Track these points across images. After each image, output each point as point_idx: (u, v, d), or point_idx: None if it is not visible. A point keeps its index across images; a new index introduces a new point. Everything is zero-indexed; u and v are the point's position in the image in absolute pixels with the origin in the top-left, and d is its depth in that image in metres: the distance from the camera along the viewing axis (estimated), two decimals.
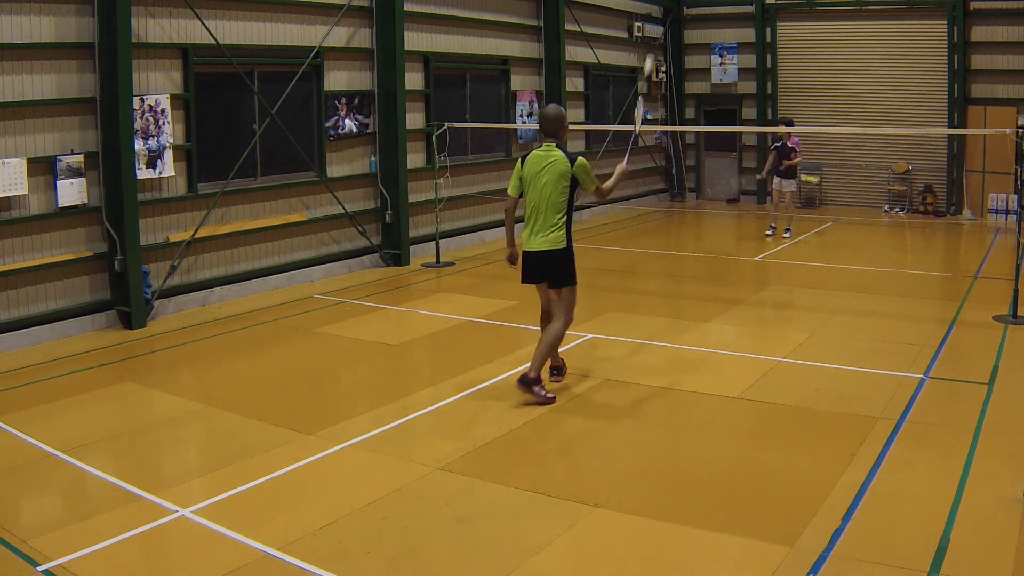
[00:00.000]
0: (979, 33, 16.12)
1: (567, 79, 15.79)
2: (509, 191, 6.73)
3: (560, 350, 7.18)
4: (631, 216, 17.26)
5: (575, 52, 16.24)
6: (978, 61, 16.19)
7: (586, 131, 16.74)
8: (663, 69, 19.09)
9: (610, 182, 6.81)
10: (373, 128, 12.15)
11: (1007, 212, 15.47)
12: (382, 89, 12.05)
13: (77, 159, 8.64)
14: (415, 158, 12.83)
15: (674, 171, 19.88)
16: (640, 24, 18.18)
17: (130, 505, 4.95)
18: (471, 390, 6.89)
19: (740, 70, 18.77)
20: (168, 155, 9.44)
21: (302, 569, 4.23)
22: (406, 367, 8.01)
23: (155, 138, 9.29)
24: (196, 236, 9.77)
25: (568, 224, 6.56)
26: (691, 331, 8.71)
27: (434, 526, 4.67)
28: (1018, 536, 4.36)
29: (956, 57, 16.23)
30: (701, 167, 20.00)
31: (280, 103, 10.70)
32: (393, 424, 6.20)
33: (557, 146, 6.53)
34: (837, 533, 4.44)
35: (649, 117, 19.03)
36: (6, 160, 8.09)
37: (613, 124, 17.29)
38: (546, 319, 6.81)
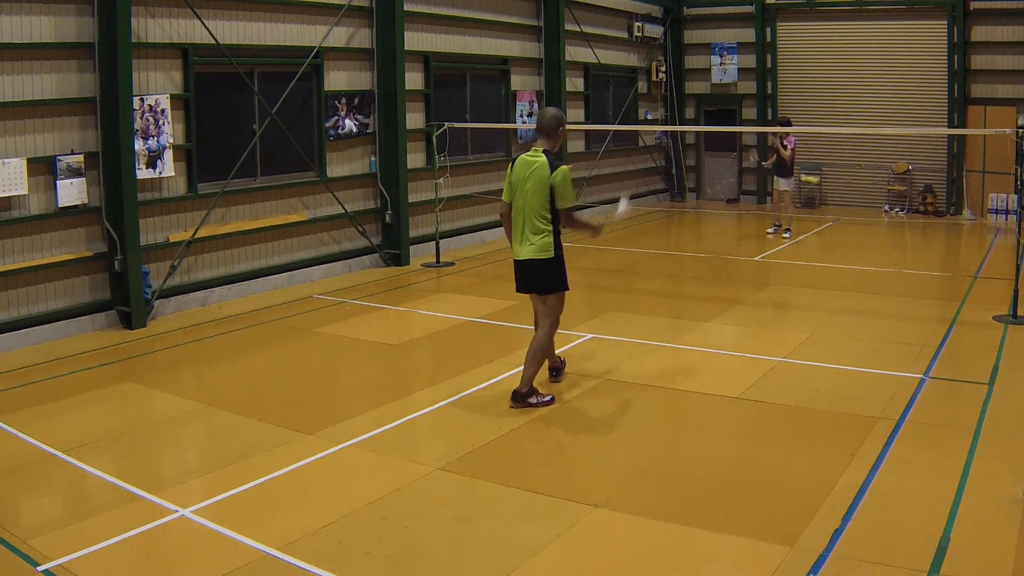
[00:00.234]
0: (979, 33, 16.12)
1: (567, 79, 15.79)
2: (503, 197, 6.53)
3: (560, 350, 7.18)
4: (631, 216, 17.24)
5: (575, 52, 16.24)
6: (978, 61, 16.19)
7: (586, 131, 16.76)
8: (663, 70, 19.10)
9: (585, 220, 6.48)
10: (373, 128, 12.15)
11: (1007, 212, 15.47)
12: (382, 89, 12.05)
13: (77, 159, 8.64)
14: (415, 158, 12.83)
15: (674, 171, 19.89)
16: (640, 24, 18.19)
17: (130, 505, 4.95)
18: (471, 390, 6.88)
19: (740, 70, 18.78)
20: (168, 155, 9.44)
21: (302, 569, 4.23)
22: (406, 367, 8.01)
23: (155, 138, 9.30)
24: (196, 236, 9.77)
25: (556, 232, 6.31)
26: (691, 331, 8.71)
27: (434, 526, 4.67)
28: (1018, 536, 4.36)
29: (956, 57, 16.23)
30: (701, 167, 20.00)
31: (280, 103, 10.70)
32: (393, 424, 6.20)
33: (546, 151, 6.28)
34: (837, 533, 4.44)
35: (649, 117, 19.06)
36: (6, 160, 8.09)
37: (613, 124, 17.30)
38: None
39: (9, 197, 8.18)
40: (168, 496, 5.03)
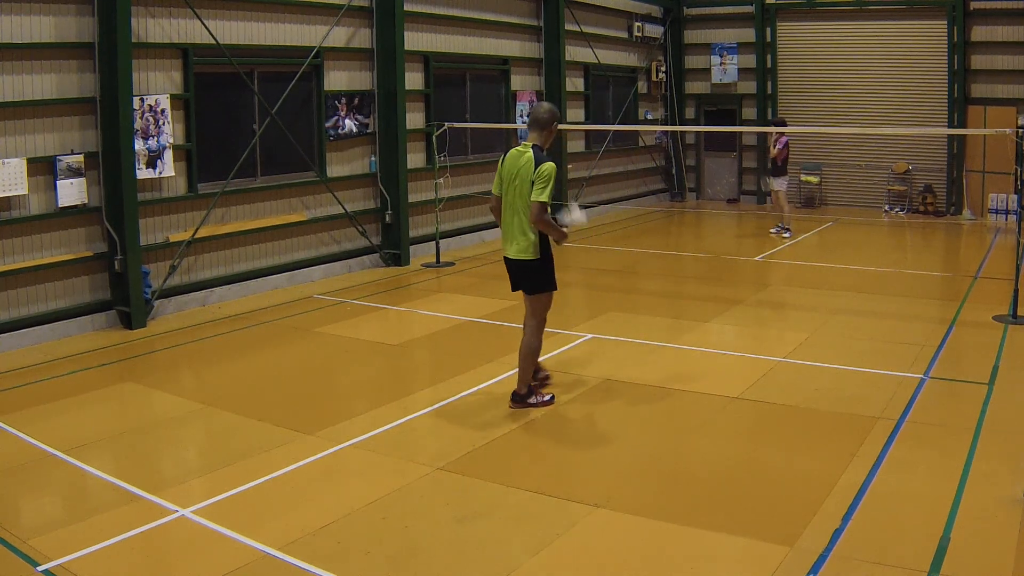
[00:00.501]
0: (979, 33, 16.12)
1: (567, 79, 15.79)
2: (493, 189, 6.42)
3: (560, 350, 7.19)
4: (631, 216, 17.26)
5: (575, 52, 16.23)
6: (978, 61, 16.19)
7: (586, 131, 16.76)
8: (663, 70, 19.11)
9: (548, 220, 6.06)
10: (373, 128, 12.15)
11: (1007, 212, 15.47)
12: (382, 89, 12.05)
13: (77, 159, 8.64)
14: (415, 158, 12.83)
15: (674, 171, 19.89)
16: (640, 24, 18.19)
17: (130, 505, 4.95)
18: (471, 390, 6.88)
19: (740, 70, 18.78)
20: (168, 155, 9.44)
21: (302, 569, 4.23)
22: (406, 367, 8.01)
23: (155, 138, 9.30)
24: (196, 236, 9.77)
25: (542, 232, 6.15)
26: (691, 331, 8.71)
27: (434, 526, 4.67)
28: (1018, 536, 4.36)
29: (956, 57, 16.23)
30: (701, 167, 20.01)
31: (280, 103, 10.70)
32: (393, 424, 6.20)
33: (536, 146, 6.12)
34: (837, 533, 4.44)
35: (649, 117, 19.05)
36: (6, 160, 8.09)
37: (613, 124, 17.30)
38: None
39: (9, 197, 8.18)
40: (168, 496, 5.03)
